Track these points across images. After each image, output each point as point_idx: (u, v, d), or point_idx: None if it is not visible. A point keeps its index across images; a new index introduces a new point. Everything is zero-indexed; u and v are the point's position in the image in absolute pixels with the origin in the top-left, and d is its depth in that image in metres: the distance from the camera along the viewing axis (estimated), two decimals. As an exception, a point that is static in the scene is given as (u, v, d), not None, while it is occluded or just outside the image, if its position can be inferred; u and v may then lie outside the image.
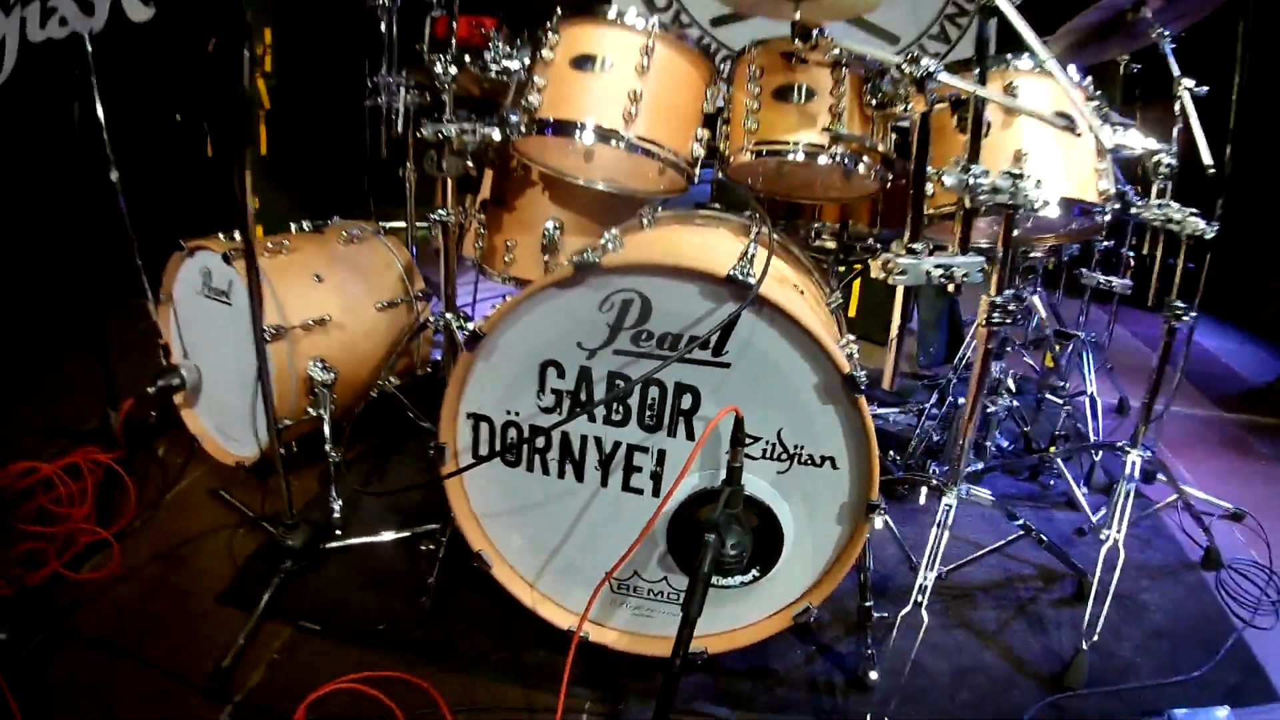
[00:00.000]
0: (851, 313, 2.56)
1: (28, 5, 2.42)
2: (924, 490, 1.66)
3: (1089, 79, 1.45)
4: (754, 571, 1.13)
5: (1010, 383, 1.89)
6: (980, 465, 1.70)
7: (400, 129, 2.00)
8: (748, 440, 1.06)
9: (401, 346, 1.78)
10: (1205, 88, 1.60)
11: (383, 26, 1.98)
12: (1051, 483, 1.90)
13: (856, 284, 2.48)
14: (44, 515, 1.56)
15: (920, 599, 1.25)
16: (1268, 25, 1.74)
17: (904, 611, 1.26)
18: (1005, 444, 1.99)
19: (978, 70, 1.17)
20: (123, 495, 1.64)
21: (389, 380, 1.71)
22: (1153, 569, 1.66)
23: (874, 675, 1.24)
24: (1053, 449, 1.91)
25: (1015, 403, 1.89)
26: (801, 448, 1.09)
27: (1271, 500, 1.98)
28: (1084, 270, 2.14)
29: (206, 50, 2.74)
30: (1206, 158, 1.51)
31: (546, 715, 1.17)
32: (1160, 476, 1.74)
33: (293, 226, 1.87)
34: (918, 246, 1.14)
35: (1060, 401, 2.02)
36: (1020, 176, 1.16)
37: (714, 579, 1.03)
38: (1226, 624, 1.50)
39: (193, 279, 1.67)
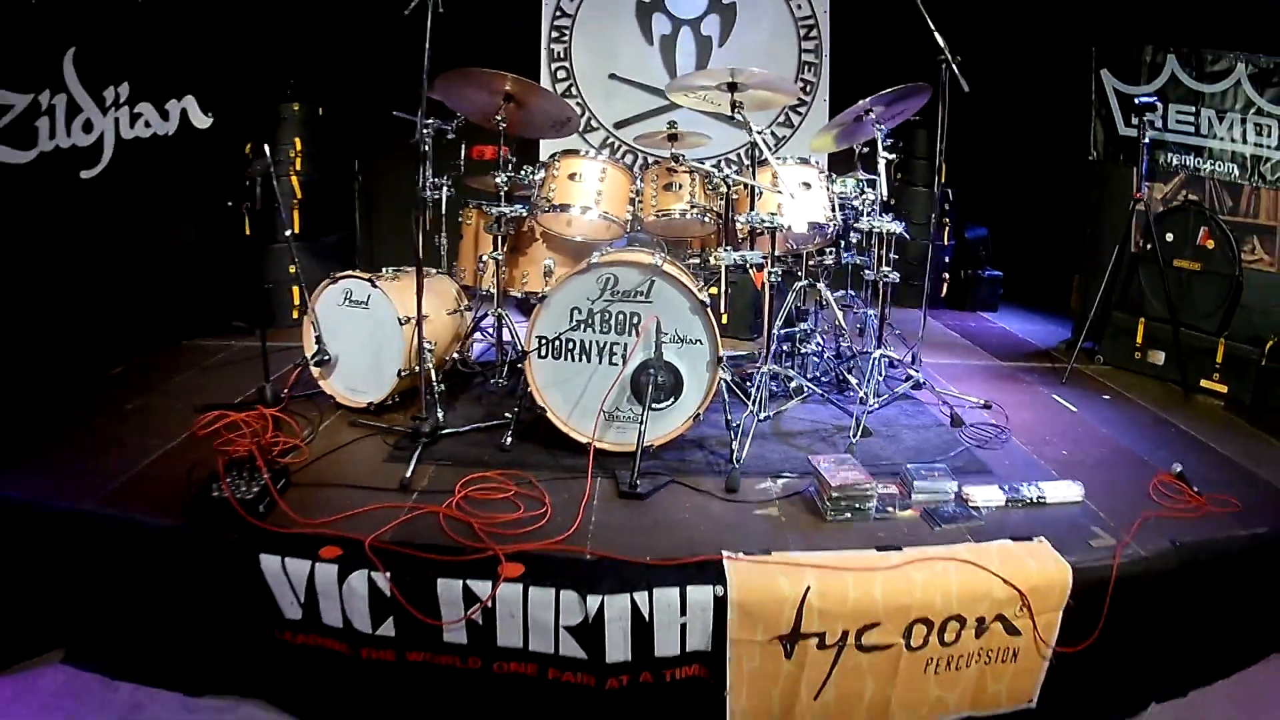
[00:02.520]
0: (724, 320, 4.29)
1: (120, 109, 3.92)
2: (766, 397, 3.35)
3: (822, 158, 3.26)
4: (671, 400, 2.73)
5: (819, 336, 3.64)
6: (804, 379, 3.40)
7: (432, 215, 3.59)
8: (662, 333, 2.70)
9: (463, 336, 3.36)
10: (896, 155, 3.45)
11: (425, 147, 3.60)
12: (849, 393, 3.57)
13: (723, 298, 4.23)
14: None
15: (757, 414, 2.91)
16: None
17: (752, 425, 2.90)
18: (821, 377, 3.71)
19: (750, 167, 2.93)
20: (289, 431, 3.08)
21: (457, 354, 3.28)
22: (914, 425, 3.33)
23: (739, 460, 2.82)
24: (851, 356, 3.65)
25: (825, 349, 3.63)
26: (685, 335, 2.72)
27: (1018, 399, 3.71)
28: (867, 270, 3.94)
29: (245, 153, 4.35)
30: (885, 195, 3.32)
31: (580, 482, 2.70)
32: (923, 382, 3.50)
33: (385, 269, 3.40)
34: (728, 251, 2.86)
35: (854, 351, 3.78)
36: (776, 214, 2.90)
37: (652, 405, 2.63)
38: (962, 446, 3.14)
39: (335, 296, 3.17)
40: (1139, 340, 4.42)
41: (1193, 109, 4.48)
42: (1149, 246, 4.27)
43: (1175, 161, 4.57)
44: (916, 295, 5.22)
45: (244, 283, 4.60)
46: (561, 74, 5.41)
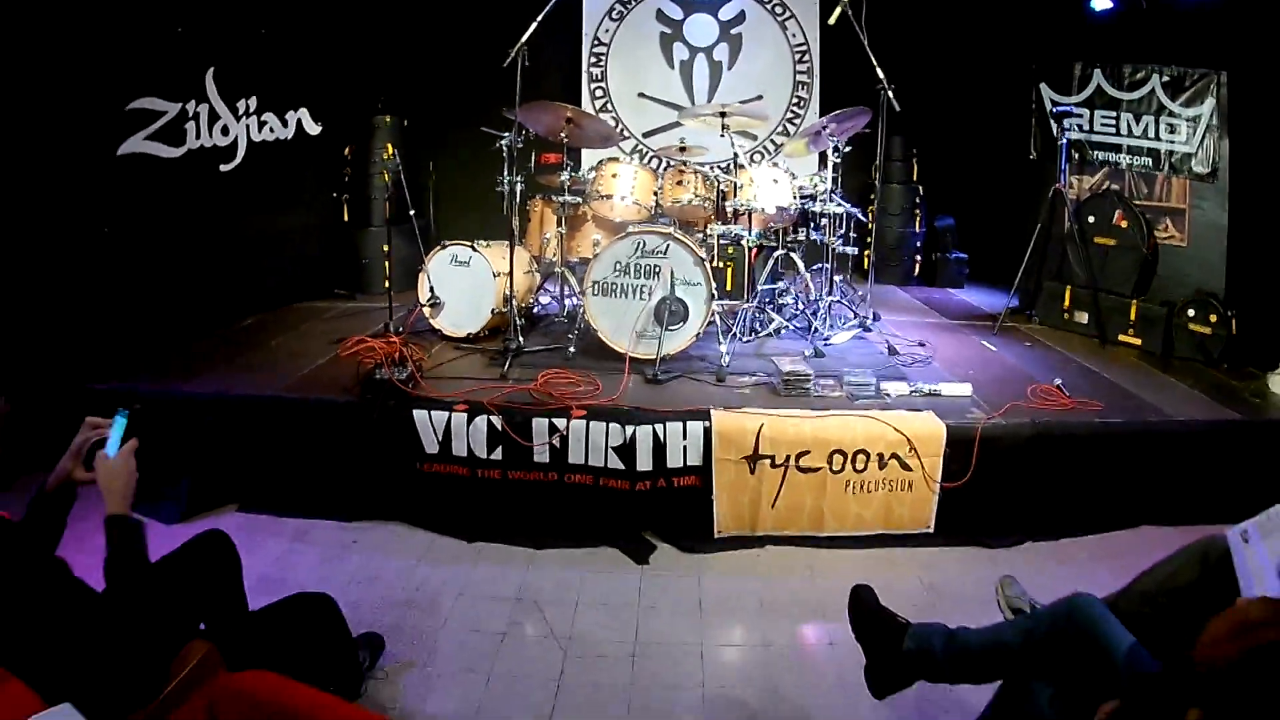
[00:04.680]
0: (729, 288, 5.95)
1: (250, 117, 5.61)
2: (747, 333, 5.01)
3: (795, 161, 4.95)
4: (681, 323, 4.38)
5: (794, 291, 5.29)
6: (781, 319, 5.05)
7: (517, 200, 5.26)
8: (674, 278, 4.36)
9: (535, 289, 5.06)
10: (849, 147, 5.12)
11: (505, 154, 5.26)
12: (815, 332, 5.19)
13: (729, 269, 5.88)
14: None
15: (740, 336, 4.57)
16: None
17: (734, 348, 4.56)
18: (794, 320, 5.33)
19: (733, 168, 4.62)
20: (410, 353, 4.76)
21: (529, 300, 4.98)
22: (859, 353, 4.92)
23: (726, 359, 4.43)
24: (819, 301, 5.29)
25: (798, 301, 5.28)
26: (690, 280, 4.34)
27: (950, 342, 5.25)
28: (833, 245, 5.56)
29: (345, 155, 6.12)
30: (832, 186, 4.99)
31: (619, 375, 4.26)
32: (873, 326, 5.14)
33: (477, 241, 5.07)
34: (720, 226, 4.54)
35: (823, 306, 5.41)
36: (753, 200, 4.59)
37: (668, 326, 4.30)
38: (891, 364, 4.83)
39: (445, 257, 4.83)
40: (1066, 304, 5.96)
41: (1114, 114, 6.02)
42: (1074, 227, 5.86)
43: (1100, 157, 6.11)
44: (893, 274, 6.89)
45: (344, 258, 6.35)
46: (599, 93, 7.12)
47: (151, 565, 1.89)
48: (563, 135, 4.65)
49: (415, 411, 3.88)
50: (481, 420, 3.83)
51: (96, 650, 1.70)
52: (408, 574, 3.54)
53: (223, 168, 5.37)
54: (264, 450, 4.00)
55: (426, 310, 4.88)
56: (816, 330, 5.01)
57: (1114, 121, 6.04)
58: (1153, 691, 1.64)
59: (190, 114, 5.03)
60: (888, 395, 4.19)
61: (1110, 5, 5.95)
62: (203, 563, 2.20)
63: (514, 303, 4.61)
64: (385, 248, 5.93)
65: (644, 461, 3.78)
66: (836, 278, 5.41)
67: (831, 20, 4.99)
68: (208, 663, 1.81)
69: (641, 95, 7.12)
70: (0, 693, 1.49)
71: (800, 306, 5.31)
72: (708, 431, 3.77)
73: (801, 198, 4.95)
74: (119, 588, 1.77)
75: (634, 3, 7.11)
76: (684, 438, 3.78)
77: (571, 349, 4.58)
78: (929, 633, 2.30)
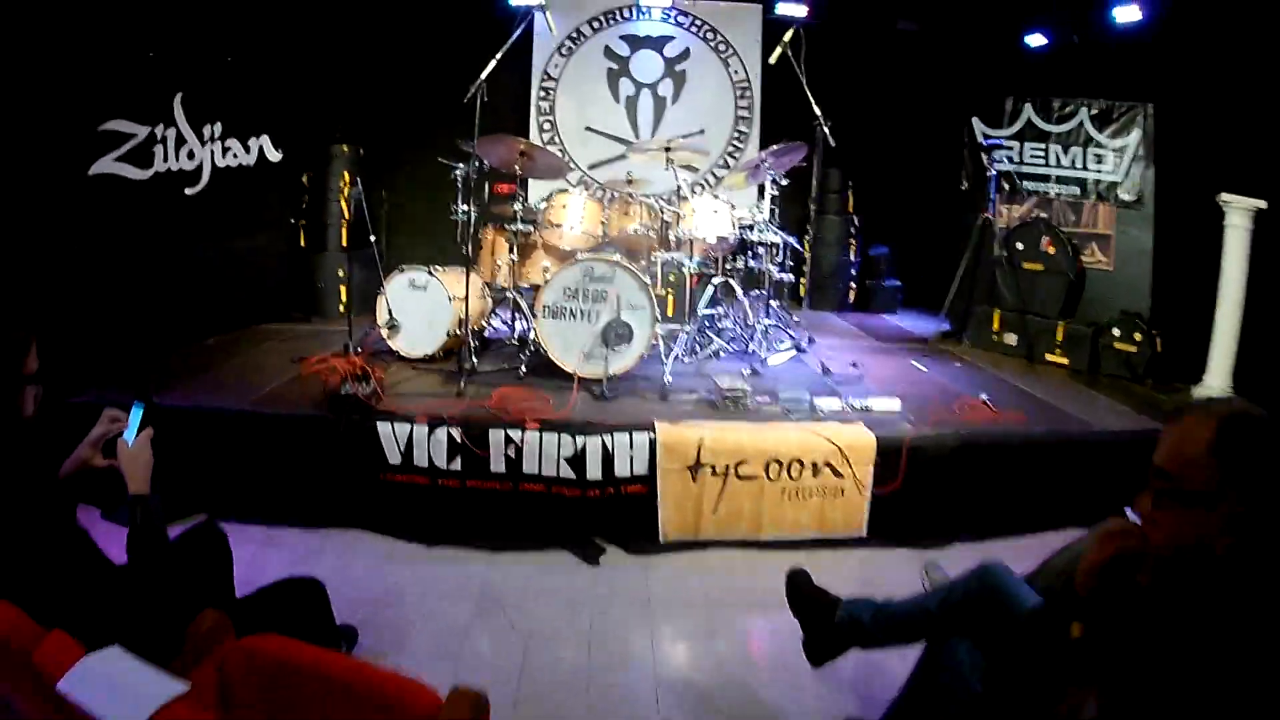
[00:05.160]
0: (670, 311, 6.37)
1: (215, 142, 5.92)
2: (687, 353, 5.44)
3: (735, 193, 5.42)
4: (627, 344, 4.77)
5: (733, 316, 5.74)
6: (721, 342, 5.49)
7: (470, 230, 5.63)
8: (620, 302, 4.76)
9: (487, 313, 5.41)
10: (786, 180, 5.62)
11: (460, 184, 5.62)
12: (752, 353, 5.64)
13: (671, 295, 6.30)
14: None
15: (682, 356, 4.99)
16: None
17: (677, 368, 4.98)
18: (732, 343, 5.77)
19: (676, 199, 5.06)
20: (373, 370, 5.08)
21: (482, 324, 5.34)
22: (794, 373, 5.36)
23: (668, 378, 4.84)
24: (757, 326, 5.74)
25: (737, 325, 5.73)
26: (635, 304, 4.73)
27: (883, 363, 5.75)
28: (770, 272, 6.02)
29: (303, 181, 6.48)
30: (768, 216, 5.47)
31: (569, 393, 4.62)
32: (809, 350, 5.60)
33: (433, 266, 5.43)
34: (663, 253, 4.98)
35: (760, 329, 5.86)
36: (694, 229, 5.03)
37: (613, 348, 4.69)
38: (825, 382, 5.22)
39: (403, 281, 5.16)
40: (995, 326, 6.50)
41: (1044, 145, 6.63)
42: (1003, 254, 6.41)
43: (1029, 187, 6.73)
44: (830, 300, 7.39)
45: (300, 281, 6.64)
46: (546, 125, 7.55)
47: (170, 541, 2.21)
48: (516, 167, 5.04)
49: (379, 424, 4.19)
50: (441, 432, 4.17)
51: (121, 616, 1.99)
52: (374, 575, 3.84)
53: (188, 191, 5.65)
54: (233, 461, 4.26)
55: (385, 332, 5.20)
56: (754, 352, 5.45)
57: (1043, 153, 6.62)
58: (1042, 618, 2.02)
59: (159, 137, 5.31)
60: (821, 410, 4.62)
61: (1045, 42, 6.52)
62: (200, 548, 2.50)
63: (468, 326, 4.95)
64: (341, 272, 6.27)
65: (594, 471, 4.15)
66: (773, 303, 5.87)
67: (772, 59, 5.48)
68: (218, 628, 2.12)
69: (589, 129, 7.57)
70: (48, 640, 1.74)
71: (738, 330, 5.75)
72: (653, 443, 4.16)
73: (740, 227, 5.40)
74: (142, 559, 2.08)
75: (583, 39, 7.58)
76: (631, 448, 4.16)
77: (523, 369, 4.94)
78: (858, 606, 2.68)
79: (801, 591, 2.84)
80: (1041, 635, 1.94)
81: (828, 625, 2.71)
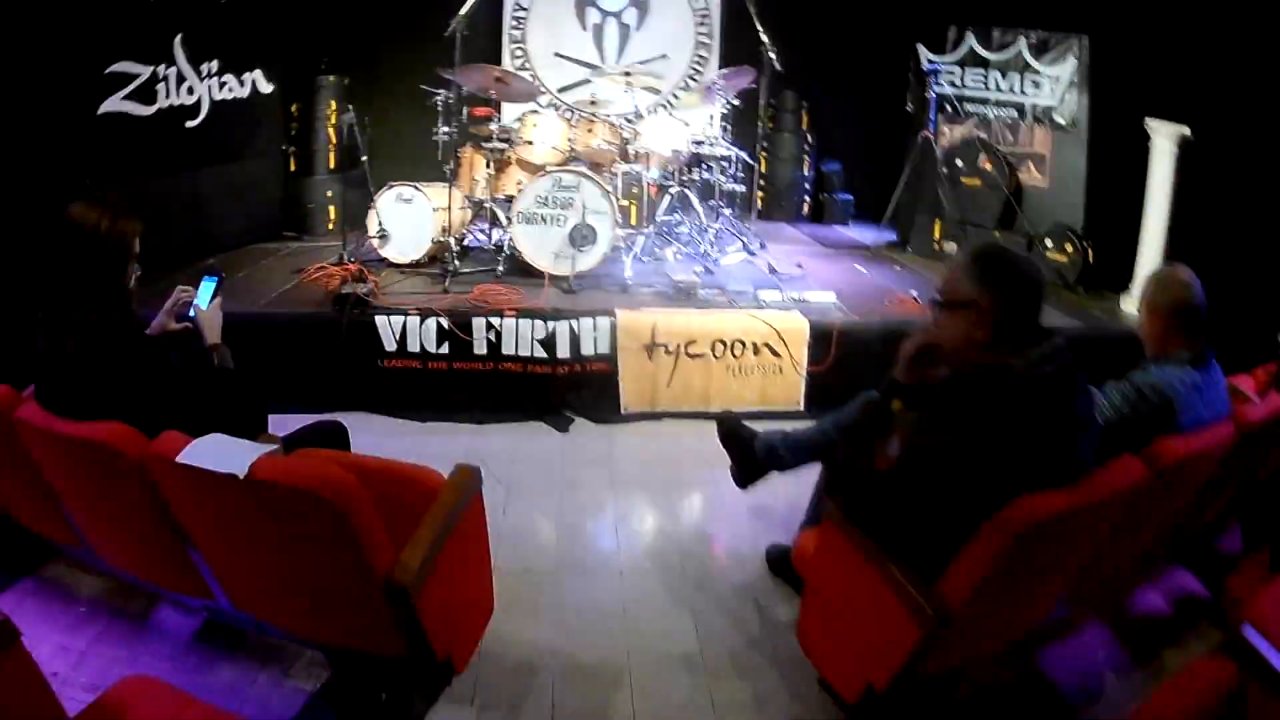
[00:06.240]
0: (634, 220, 7.04)
1: (212, 78, 6.50)
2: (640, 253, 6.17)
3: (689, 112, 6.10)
4: (591, 244, 5.49)
5: (689, 223, 6.46)
6: (676, 249, 6.22)
7: (452, 150, 6.27)
8: (585, 208, 5.46)
9: (467, 223, 6.11)
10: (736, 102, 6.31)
11: (441, 109, 6.24)
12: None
13: (633, 204, 6.97)
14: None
15: (638, 253, 5.73)
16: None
17: (636, 267, 5.72)
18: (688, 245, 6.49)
19: (636, 118, 5.74)
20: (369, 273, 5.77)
21: (463, 232, 6.04)
22: (744, 272, 6.09)
23: (629, 275, 5.59)
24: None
25: (692, 230, 6.45)
26: (598, 209, 5.44)
27: (826, 266, 6.50)
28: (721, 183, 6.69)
29: (292, 111, 7.09)
30: (721, 134, 6.16)
31: (541, 288, 5.37)
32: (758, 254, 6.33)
33: (420, 183, 6.09)
34: (624, 165, 5.68)
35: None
36: (650, 145, 5.73)
37: (580, 248, 5.42)
38: (771, 280, 5.97)
39: (392, 195, 5.82)
40: (937, 235, 7.21)
41: (984, 71, 7.26)
42: (944, 170, 7.09)
43: (970, 109, 7.38)
44: (784, 212, 8.09)
45: (291, 204, 7.28)
46: (518, 53, 8.12)
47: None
48: (491, 92, 5.67)
49: (377, 316, 4.93)
50: (431, 321, 4.91)
51: (214, 417, 2.64)
52: (375, 447, 4.47)
53: (188, 124, 6.22)
54: (248, 358, 4.94)
55: (376, 241, 5.90)
56: (707, 254, 6.18)
57: (983, 78, 7.20)
58: (874, 403, 2.79)
59: (160, 76, 5.87)
60: (763, 301, 5.37)
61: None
62: (328, 434, 3.21)
63: (451, 233, 5.65)
64: (330, 193, 6.93)
65: (563, 351, 4.92)
66: (726, 211, 6.58)
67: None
68: (273, 442, 2.85)
69: (558, 55, 8.13)
70: (164, 437, 2.37)
71: (694, 235, 6.47)
72: (614, 326, 4.93)
73: (693, 142, 6.08)
74: (221, 379, 2.83)
75: (552, -30, 8.13)
76: (595, 331, 4.93)
77: (500, 269, 5.66)
78: (773, 435, 3.47)
79: (729, 429, 3.61)
80: (875, 412, 2.72)
81: (750, 454, 3.49)
